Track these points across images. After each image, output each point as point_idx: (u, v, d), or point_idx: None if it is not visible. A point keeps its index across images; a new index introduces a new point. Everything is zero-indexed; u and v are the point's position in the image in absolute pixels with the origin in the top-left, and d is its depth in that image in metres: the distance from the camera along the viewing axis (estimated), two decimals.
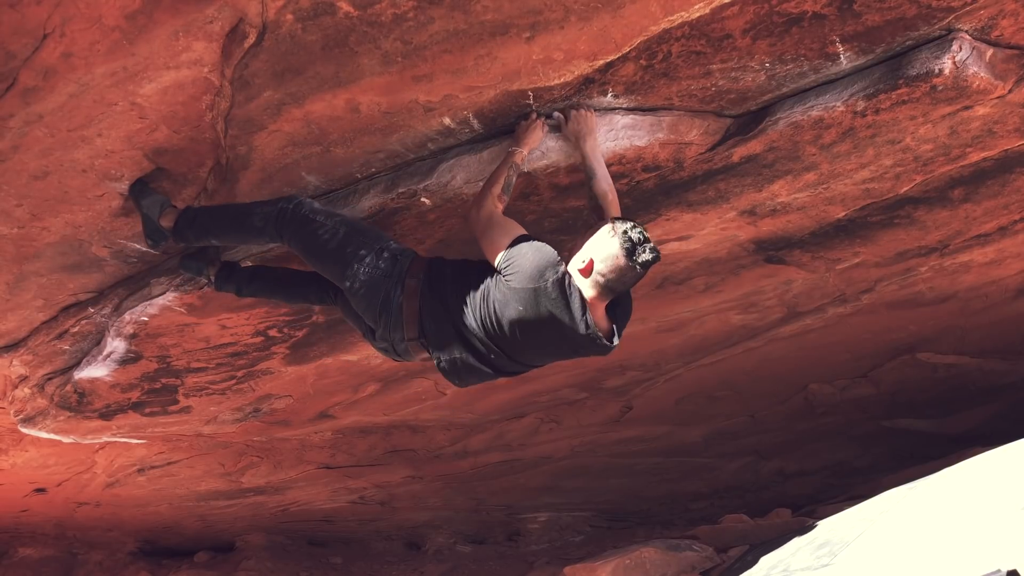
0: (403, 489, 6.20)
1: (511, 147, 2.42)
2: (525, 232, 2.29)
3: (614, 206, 2.43)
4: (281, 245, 2.53)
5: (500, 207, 2.36)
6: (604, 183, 2.44)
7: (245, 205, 2.54)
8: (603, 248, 2.19)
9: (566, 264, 2.23)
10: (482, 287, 2.29)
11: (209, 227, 2.52)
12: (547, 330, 2.22)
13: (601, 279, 2.19)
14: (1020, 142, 2.83)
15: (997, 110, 2.61)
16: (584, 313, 2.19)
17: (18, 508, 5.49)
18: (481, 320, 2.28)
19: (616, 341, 2.28)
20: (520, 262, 2.21)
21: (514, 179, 2.41)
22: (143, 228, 2.56)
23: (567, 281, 2.18)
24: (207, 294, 2.88)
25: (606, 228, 2.21)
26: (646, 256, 2.15)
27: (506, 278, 2.23)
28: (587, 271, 2.20)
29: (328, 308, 2.98)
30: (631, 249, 2.15)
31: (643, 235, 2.16)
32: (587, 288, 2.20)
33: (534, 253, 2.20)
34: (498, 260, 2.26)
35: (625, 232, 2.15)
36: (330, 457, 5.31)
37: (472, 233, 2.37)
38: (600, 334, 2.23)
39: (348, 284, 2.38)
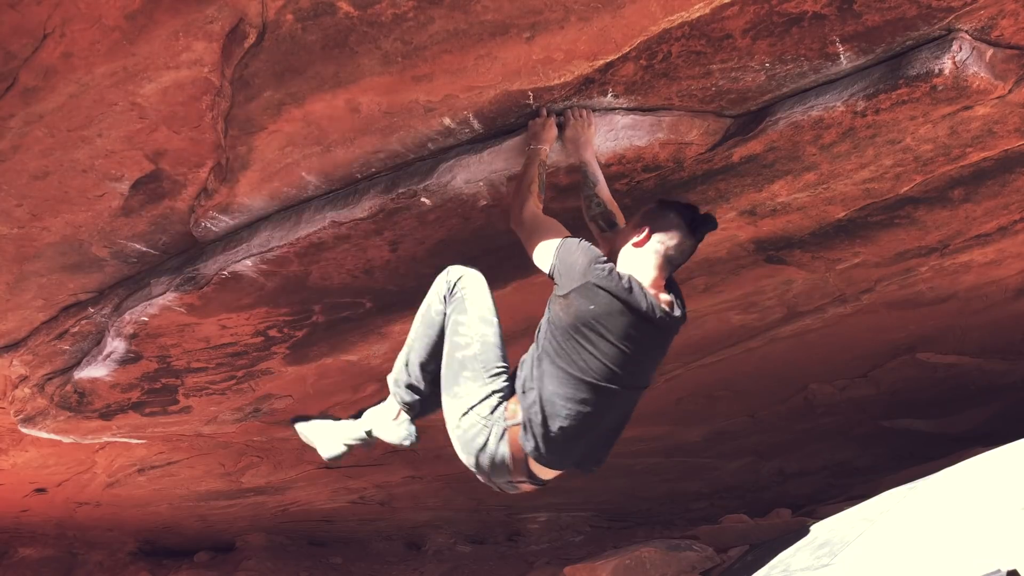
0: (403, 489, 6.20)
1: (531, 145, 2.42)
2: (569, 233, 2.27)
3: (619, 209, 2.47)
4: None
5: (540, 207, 2.36)
6: (607, 190, 2.48)
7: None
8: (659, 218, 2.21)
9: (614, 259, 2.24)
10: (542, 342, 2.24)
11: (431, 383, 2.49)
12: (617, 320, 2.13)
13: (661, 248, 2.19)
14: (1020, 142, 2.83)
15: (997, 110, 2.61)
16: (646, 296, 2.14)
17: (18, 508, 5.49)
18: (573, 361, 2.16)
19: (683, 313, 2.24)
20: (568, 261, 2.17)
21: (544, 176, 2.42)
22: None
23: (615, 274, 2.14)
24: (207, 294, 2.88)
25: (655, 204, 2.25)
26: (704, 223, 2.21)
27: (557, 288, 2.19)
28: (644, 242, 2.20)
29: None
30: (688, 212, 2.20)
31: (697, 208, 2.24)
32: (644, 262, 2.20)
33: (581, 252, 2.17)
34: (548, 268, 2.23)
35: (680, 203, 2.22)
36: None
37: (518, 235, 2.37)
38: (664, 308, 2.19)
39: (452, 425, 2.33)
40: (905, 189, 3.05)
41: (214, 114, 2.27)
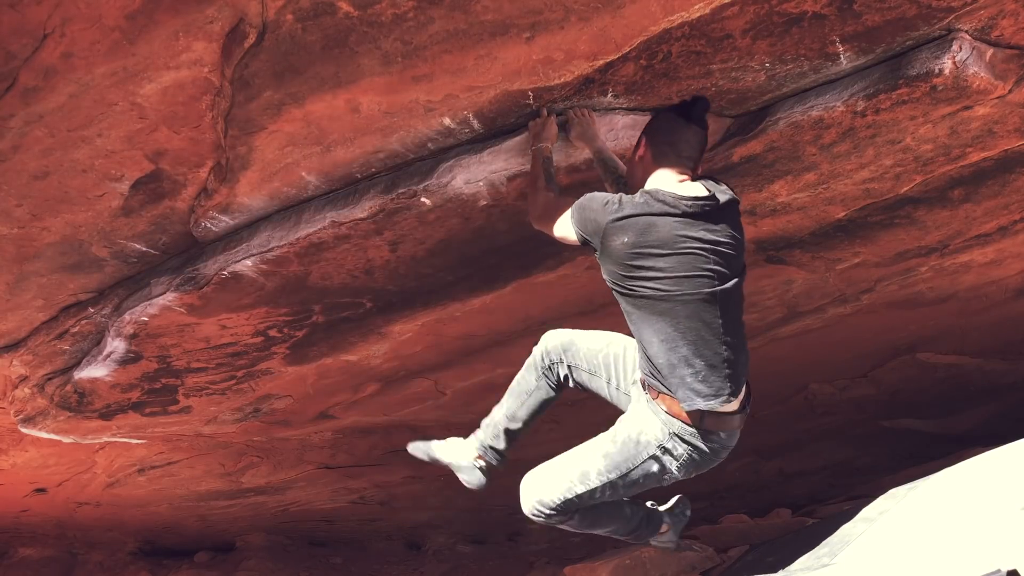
0: (403, 489, 6.20)
1: (534, 145, 2.44)
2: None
3: None
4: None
5: (553, 195, 2.36)
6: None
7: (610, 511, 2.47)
8: (649, 125, 2.23)
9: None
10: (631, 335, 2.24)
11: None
12: (653, 234, 2.05)
13: (664, 147, 2.17)
14: (1020, 142, 2.83)
15: (997, 110, 2.61)
16: (658, 194, 2.08)
17: (18, 508, 5.49)
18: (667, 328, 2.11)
19: (722, 190, 2.15)
20: (584, 219, 2.14)
21: (551, 169, 2.42)
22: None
23: (622, 198, 2.11)
24: (207, 294, 2.88)
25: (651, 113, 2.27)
26: (694, 105, 2.17)
27: (596, 252, 2.16)
28: (643, 151, 2.21)
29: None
30: (677, 106, 2.18)
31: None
32: (657, 170, 2.18)
33: (590, 203, 2.14)
34: (578, 239, 2.20)
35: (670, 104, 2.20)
36: (330, 457, 5.31)
37: (549, 236, 2.35)
38: (691, 196, 2.09)
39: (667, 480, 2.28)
40: (905, 189, 3.05)
41: (214, 114, 2.27)
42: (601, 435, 2.30)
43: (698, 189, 2.16)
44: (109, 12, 1.92)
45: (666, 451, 2.19)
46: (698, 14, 2.16)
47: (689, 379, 2.11)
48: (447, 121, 2.41)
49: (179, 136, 2.33)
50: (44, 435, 3.77)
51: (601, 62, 2.27)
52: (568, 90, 2.38)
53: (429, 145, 2.51)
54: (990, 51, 2.42)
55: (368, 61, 2.15)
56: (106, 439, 4.06)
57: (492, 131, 2.51)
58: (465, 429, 5.29)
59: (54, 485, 5.10)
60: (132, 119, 2.23)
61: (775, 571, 3.07)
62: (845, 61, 2.42)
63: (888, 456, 6.68)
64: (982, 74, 2.42)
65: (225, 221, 2.72)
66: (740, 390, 2.21)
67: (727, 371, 2.14)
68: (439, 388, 4.34)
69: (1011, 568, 1.99)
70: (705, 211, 2.10)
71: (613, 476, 2.22)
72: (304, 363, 3.60)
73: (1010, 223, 3.45)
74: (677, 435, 2.18)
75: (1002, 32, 2.39)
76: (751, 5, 2.17)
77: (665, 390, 2.17)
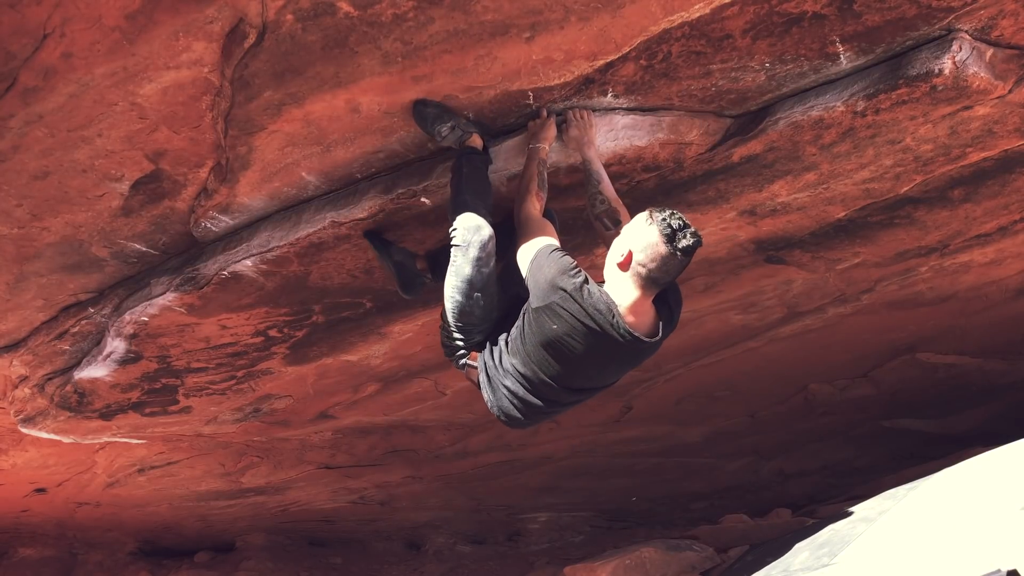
0: (403, 489, 6.20)
1: (532, 144, 2.43)
2: (552, 240, 2.23)
3: (624, 207, 2.44)
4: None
5: (539, 205, 2.36)
6: (611, 188, 2.45)
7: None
8: (641, 237, 2.09)
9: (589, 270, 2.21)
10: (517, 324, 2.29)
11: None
12: (585, 345, 2.14)
13: (643, 270, 2.09)
14: (1020, 142, 2.83)
15: (997, 110, 2.61)
16: (614, 317, 2.10)
17: (18, 508, 5.49)
18: (524, 359, 2.25)
19: (661, 335, 2.18)
20: (537, 276, 2.15)
21: (545, 172, 2.42)
22: (397, 280, 2.80)
23: (585, 290, 2.10)
24: (207, 294, 2.89)
25: (642, 217, 2.12)
26: (687, 241, 2.06)
27: (531, 301, 2.19)
28: (626, 264, 2.11)
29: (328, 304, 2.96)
30: (671, 235, 2.06)
31: (682, 221, 2.08)
32: (627, 283, 2.12)
33: (548, 265, 2.14)
34: (525, 275, 2.23)
35: (664, 219, 2.07)
36: (330, 457, 5.31)
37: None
38: (639, 334, 2.13)
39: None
40: (905, 189, 3.05)
41: (214, 114, 2.27)
42: None
43: (647, 319, 2.17)
44: (109, 12, 1.92)
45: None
46: (698, 14, 2.17)
47: (507, 392, 2.33)
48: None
49: (179, 136, 2.33)
50: (44, 435, 3.77)
51: (601, 62, 2.27)
52: (568, 90, 2.38)
53: (429, 145, 2.51)
54: (990, 51, 2.43)
55: (368, 61, 2.15)
56: (106, 439, 4.06)
57: (492, 131, 2.50)
58: (465, 429, 5.31)
59: (54, 485, 5.10)
60: (132, 119, 2.23)
61: (775, 571, 3.07)
62: (845, 61, 2.42)
63: (888, 456, 6.68)
64: (982, 74, 2.42)
65: (225, 221, 2.72)
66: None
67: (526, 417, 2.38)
68: (439, 388, 4.34)
69: (1011, 568, 1.99)
70: (629, 343, 2.14)
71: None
72: (304, 363, 3.60)
73: (1010, 223, 3.45)
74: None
75: (1002, 32, 2.39)
76: (751, 5, 2.17)
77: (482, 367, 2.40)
